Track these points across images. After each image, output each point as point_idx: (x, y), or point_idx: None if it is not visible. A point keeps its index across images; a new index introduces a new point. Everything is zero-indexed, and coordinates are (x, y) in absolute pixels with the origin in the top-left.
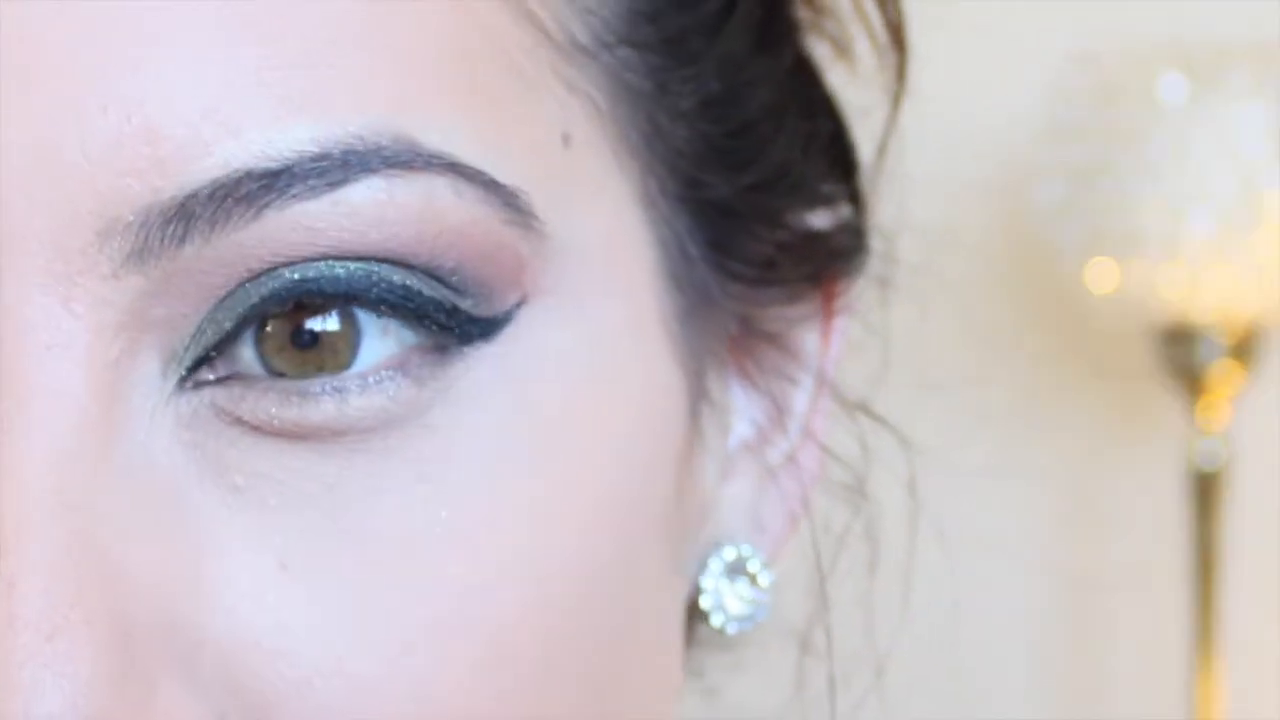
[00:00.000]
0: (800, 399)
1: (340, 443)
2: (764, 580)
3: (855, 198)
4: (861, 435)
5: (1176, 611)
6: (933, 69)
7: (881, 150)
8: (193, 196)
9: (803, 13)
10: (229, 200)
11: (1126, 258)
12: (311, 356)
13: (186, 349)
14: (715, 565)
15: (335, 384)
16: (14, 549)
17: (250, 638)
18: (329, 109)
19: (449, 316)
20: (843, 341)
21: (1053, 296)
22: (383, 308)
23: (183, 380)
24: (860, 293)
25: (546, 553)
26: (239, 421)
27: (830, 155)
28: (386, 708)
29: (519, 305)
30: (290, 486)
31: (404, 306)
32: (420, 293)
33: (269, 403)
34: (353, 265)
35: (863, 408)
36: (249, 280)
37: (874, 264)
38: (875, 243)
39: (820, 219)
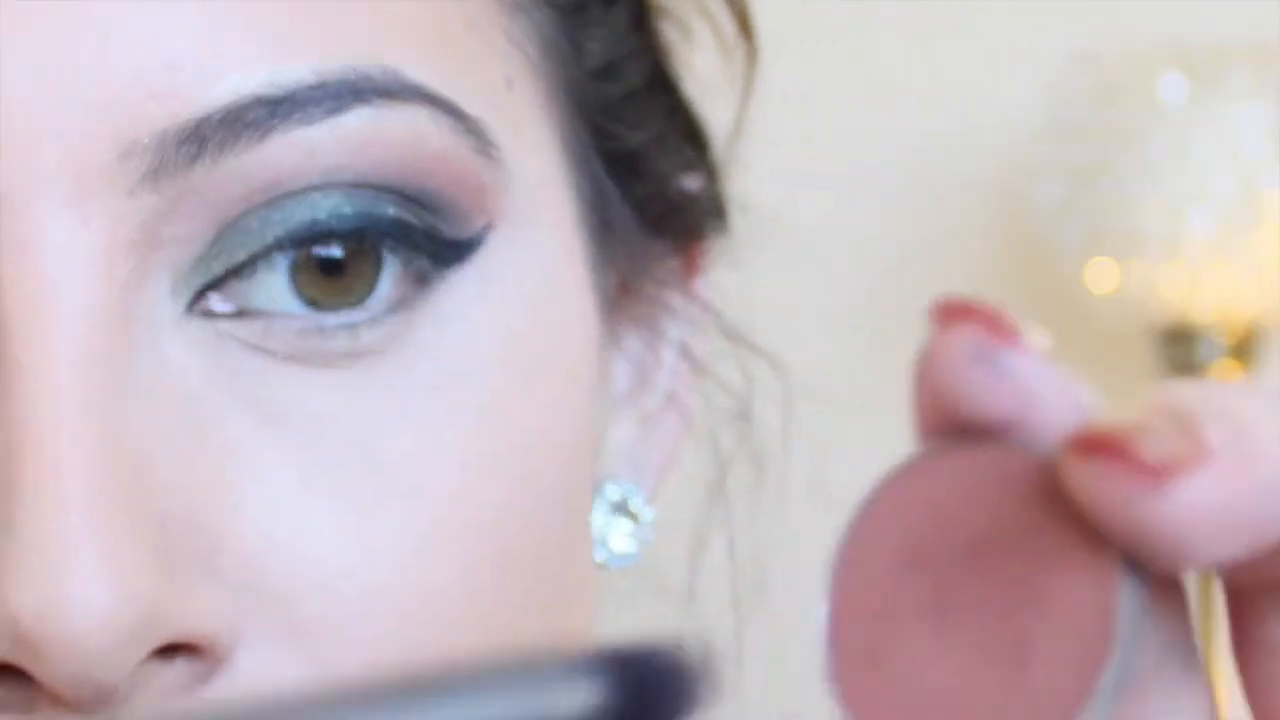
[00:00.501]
0: (669, 354)
1: (354, 369)
2: (646, 514)
3: (711, 171)
4: (745, 367)
5: None
6: (933, 69)
7: (736, 130)
8: (206, 120)
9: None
10: (238, 124)
11: (1126, 258)
12: (340, 284)
13: (194, 271)
14: (599, 503)
15: (347, 320)
16: (54, 441)
17: (272, 543)
18: (323, 46)
19: (428, 237)
20: (702, 300)
21: (1053, 296)
22: (388, 241)
23: (191, 304)
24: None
25: (529, 456)
26: (258, 348)
27: (688, 128)
28: (394, 607)
29: (486, 229)
30: (310, 408)
31: (404, 237)
32: (413, 225)
33: (289, 335)
34: (344, 195)
35: (742, 339)
36: (256, 209)
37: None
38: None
39: (692, 183)
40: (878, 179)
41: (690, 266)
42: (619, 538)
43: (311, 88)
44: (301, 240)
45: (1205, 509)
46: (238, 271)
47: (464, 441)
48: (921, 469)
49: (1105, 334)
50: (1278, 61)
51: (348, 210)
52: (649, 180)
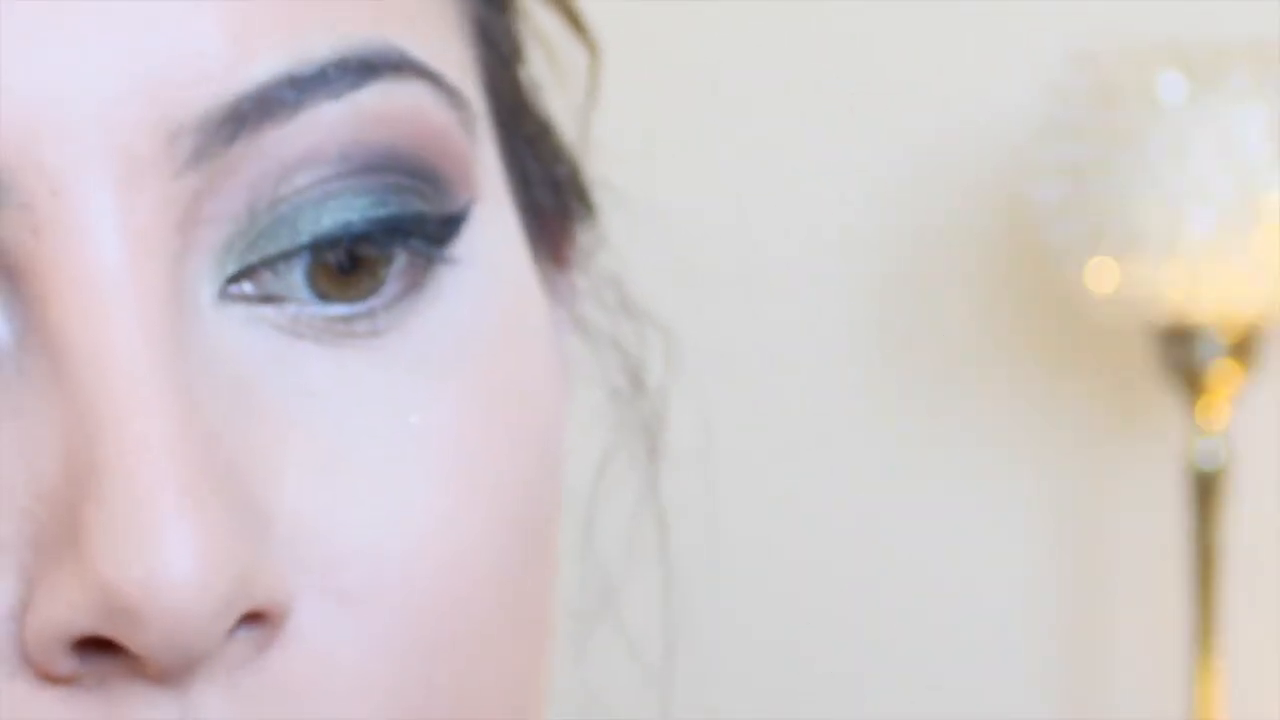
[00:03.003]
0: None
1: (378, 347)
2: None
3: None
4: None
5: (1176, 611)
6: (932, 69)
7: (583, 122)
8: (244, 98)
9: None
10: (272, 102)
11: (1126, 257)
12: (352, 280)
13: (227, 253)
14: None
15: (366, 308)
16: (137, 417)
17: (315, 512)
18: (339, 26)
19: (430, 207)
20: (573, 293)
21: (1052, 296)
22: (406, 238)
23: (227, 283)
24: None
25: (535, 416)
26: (287, 330)
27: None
28: (430, 567)
29: (470, 203)
30: (340, 384)
31: (419, 231)
32: (427, 215)
33: (315, 320)
34: (362, 194)
35: (635, 311)
36: (286, 198)
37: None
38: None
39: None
40: (877, 179)
41: (561, 252)
42: None
43: (334, 64)
44: (335, 241)
45: None
46: (269, 263)
47: (485, 405)
48: None
49: (1105, 333)
50: (1278, 61)
51: (381, 213)
52: (550, 163)
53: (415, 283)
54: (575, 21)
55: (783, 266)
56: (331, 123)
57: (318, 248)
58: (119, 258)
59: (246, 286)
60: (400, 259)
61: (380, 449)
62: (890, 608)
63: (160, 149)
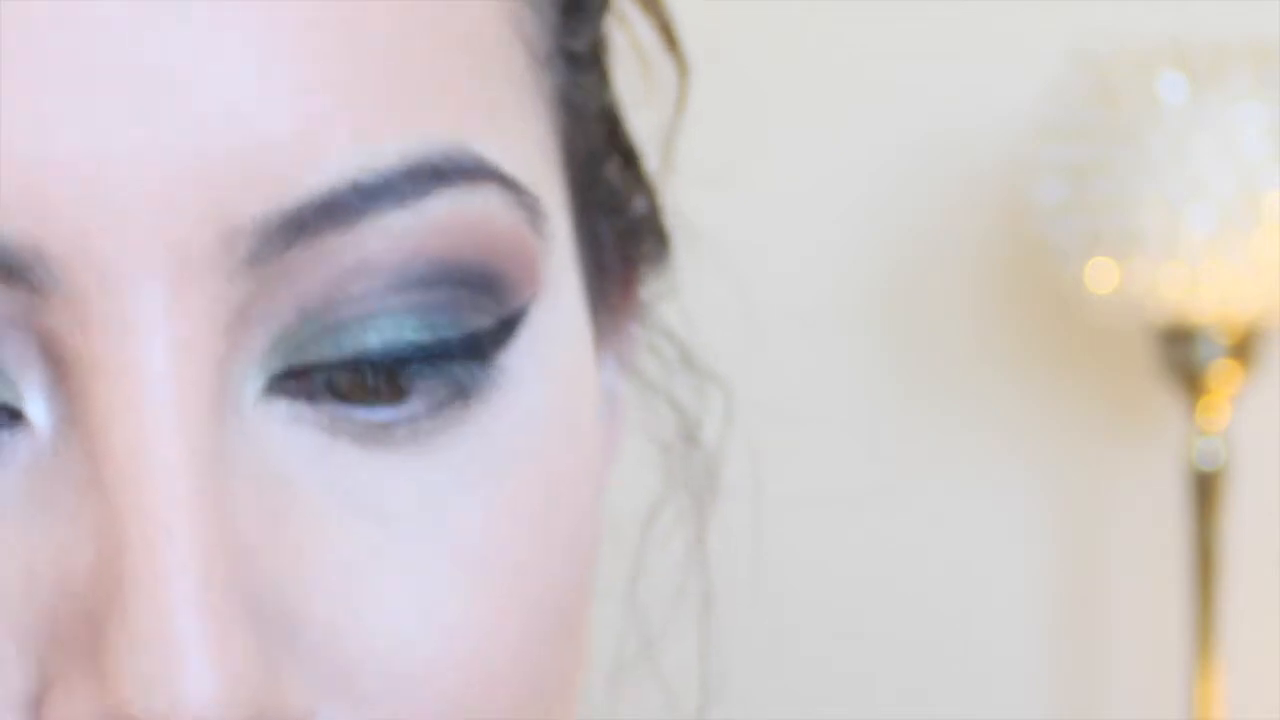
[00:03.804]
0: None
1: (419, 453)
2: None
3: (651, 192)
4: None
5: (1176, 611)
6: (932, 68)
7: (667, 148)
8: (307, 206)
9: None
10: (335, 209)
11: (1126, 257)
12: (374, 388)
13: (274, 352)
14: None
15: (404, 414)
16: (163, 535)
17: (346, 621)
18: (411, 126)
19: (489, 319)
20: (636, 340)
21: (1052, 296)
22: (439, 360)
23: (271, 380)
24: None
25: (579, 525)
26: (328, 430)
27: (630, 149)
28: (457, 677)
29: (531, 298)
30: (380, 489)
31: (459, 356)
32: (480, 336)
33: (355, 423)
34: (410, 316)
35: (696, 366)
36: (330, 315)
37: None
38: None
39: (639, 205)
40: (877, 178)
41: (629, 293)
42: None
43: (404, 172)
44: (378, 362)
45: None
46: (311, 369)
47: (528, 516)
48: None
49: (1105, 333)
50: (1278, 61)
51: (427, 337)
52: (622, 212)
53: (461, 390)
54: (670, 38)
55: (780, 266)
56: (396, 232)
57: (358, 365)
58: (166, 361)
59: (289, 384)
60: (435, 375)
61: (413, 554)
62: (890, 607)
63: (216, 249)
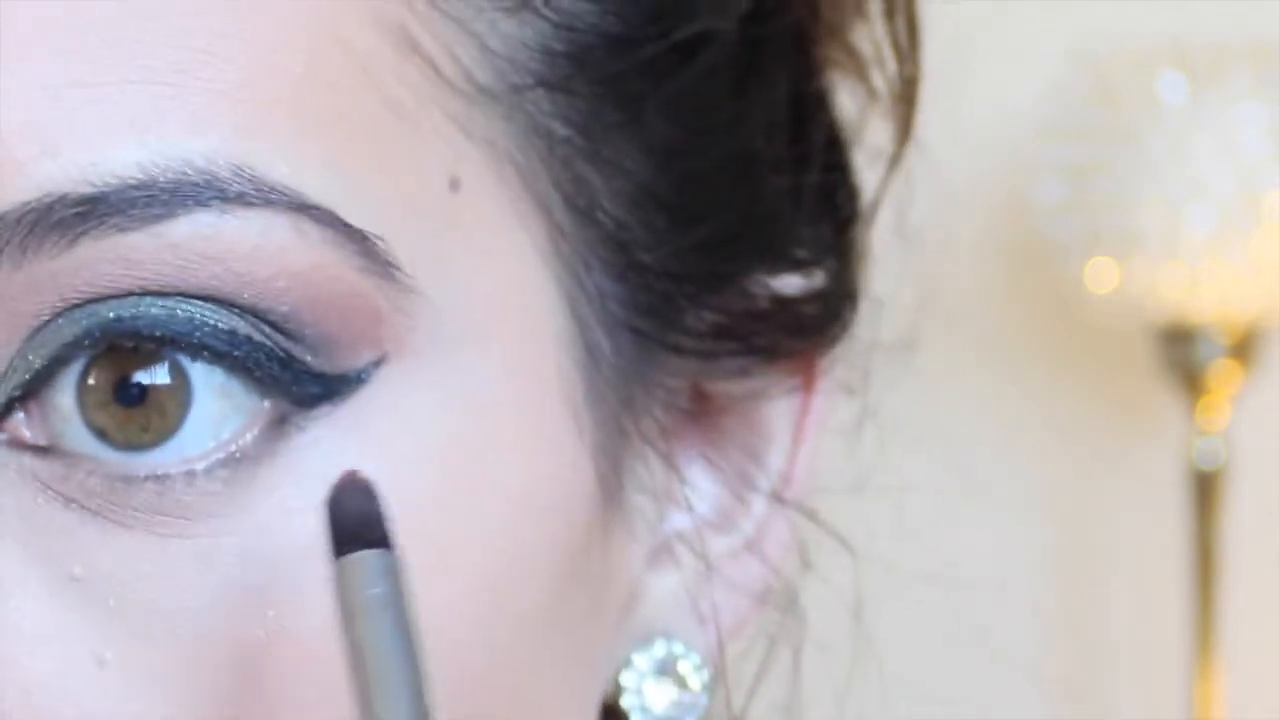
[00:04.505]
0: (757, 499)
1: (166, 529)
2: (695, 682)
3: (843, 258)
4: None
5: (1176, 611)
6: (932, 68)
7: (872, 209)
8: (1, 218)
9: (820, 45)
10: (41, 226)
11: (1126, 257)
12: (137, 415)
13: None
14: (642, 661)
15: (159, 470)
16: None
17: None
18: (162, 132)
19: (283, 367)
20: (818, 426)
21: (1052, 296)
22: (205, 354)
23: None
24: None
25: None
26: (64, 498)
27: (817, 210)
28: None
29: (376, 365)
30: (116, 578)
31: (230, 354)
32: (248, 338)
33: (94, 483)
34: (171, 303)
35: (804, 510)
36: (64, 311)
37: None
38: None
39: (790, 283)
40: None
41: (807, 380)
42: (662, 703)
43: (135, 187)
44: (99, 338)
45: None
46: (34, 387)
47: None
48: None
49: (1105, 333)
50: (1278, 61)
51: (157, 311)
52: (708, 286)
53: (252, 449)
54: (909, 90)
55: None
56: (129, 255)
57: (80, 345)
58: None
59: (25, 427)
60: (201, 393)
61: (150, 656)
62: (889, 607)
63: None
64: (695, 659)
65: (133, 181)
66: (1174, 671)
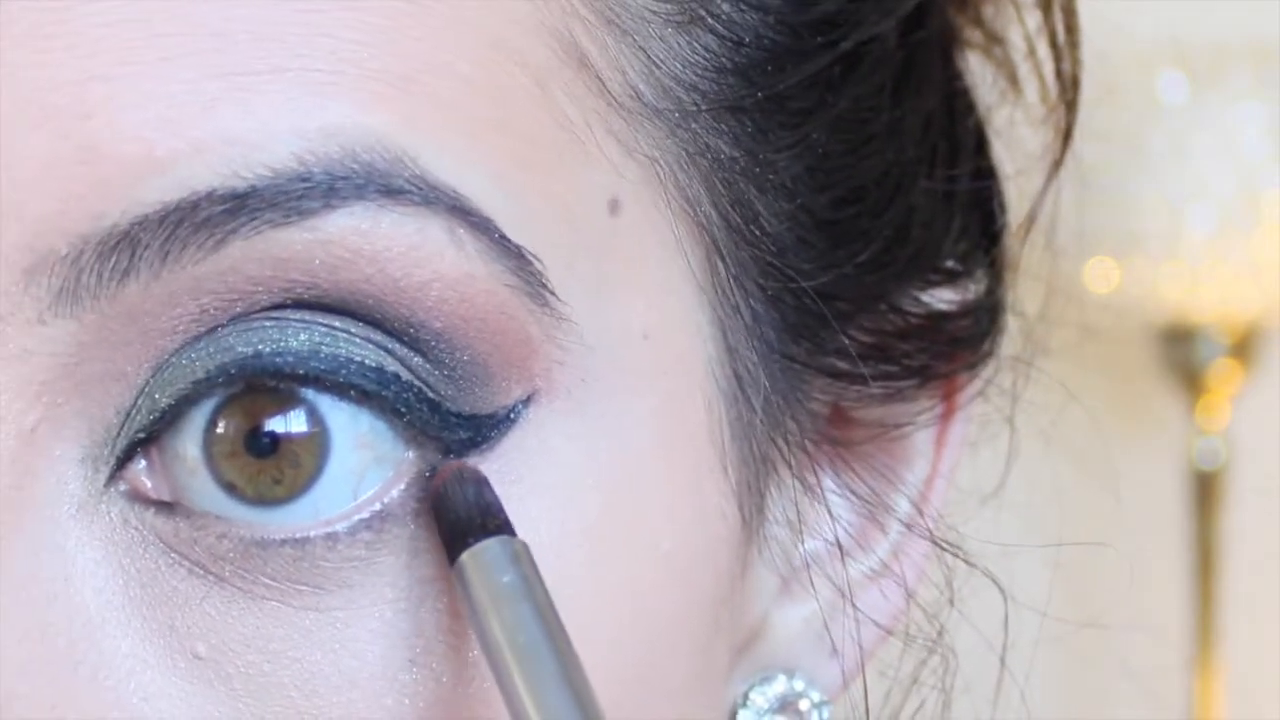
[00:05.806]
0: (905, 506)
1: (300, 600)
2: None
3: (994, 269)
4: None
5: (1177, 610)
6: None
7: (1029, 218)
8: (140, 223)
9: (968, 33)
10: (185, 226)
11: (1126, 257)
12: (269, 466)
13: (121, 429)
14: (760, 699)
15: (298, 532)
16: None
17: None
18: (323, 121)
19: (432, 410)
20: (959, 448)
21: (1053, 296)
22: (351, 393)
23: (112, 477)
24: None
25: None
26: (189, 562)
27: (968, 219)
28: None
29: (525, 402)
30: (244, 659)
31: (378, 395)
32: (396, 376)
33: (225, 548)
34: (316, 335)
35: (953, 548)
36: (199, 337)
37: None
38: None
39: (942, 298)
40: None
41: (948, 402)
42: None
43: (291, 179)
44: (234, 375)
45: None
46: (159, 430)
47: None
48: None
49: (1105, 333)
50: (1278, 61)
51: (297, 344)
52: (863, 305)
53: (389, 509)
54: (1070, 92)
55: None
56: (280, 254)
57: (230, 380)
58: None
59: (146, 479)
60: (339, 441)
61: None
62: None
63: (17, 285)
64: (815, 695)
65: (289, 173)
66: (1174, 671)
